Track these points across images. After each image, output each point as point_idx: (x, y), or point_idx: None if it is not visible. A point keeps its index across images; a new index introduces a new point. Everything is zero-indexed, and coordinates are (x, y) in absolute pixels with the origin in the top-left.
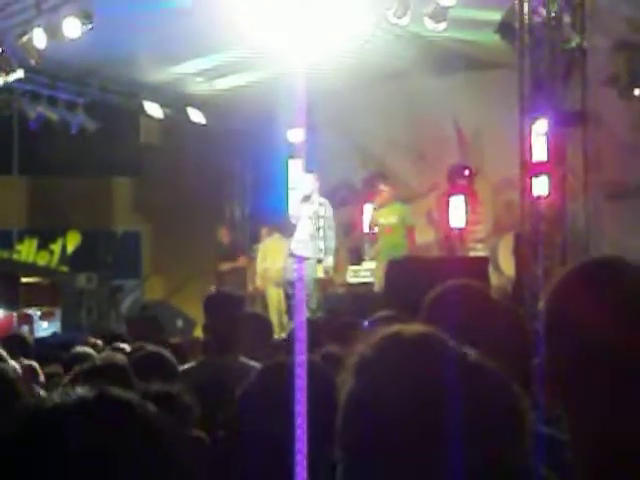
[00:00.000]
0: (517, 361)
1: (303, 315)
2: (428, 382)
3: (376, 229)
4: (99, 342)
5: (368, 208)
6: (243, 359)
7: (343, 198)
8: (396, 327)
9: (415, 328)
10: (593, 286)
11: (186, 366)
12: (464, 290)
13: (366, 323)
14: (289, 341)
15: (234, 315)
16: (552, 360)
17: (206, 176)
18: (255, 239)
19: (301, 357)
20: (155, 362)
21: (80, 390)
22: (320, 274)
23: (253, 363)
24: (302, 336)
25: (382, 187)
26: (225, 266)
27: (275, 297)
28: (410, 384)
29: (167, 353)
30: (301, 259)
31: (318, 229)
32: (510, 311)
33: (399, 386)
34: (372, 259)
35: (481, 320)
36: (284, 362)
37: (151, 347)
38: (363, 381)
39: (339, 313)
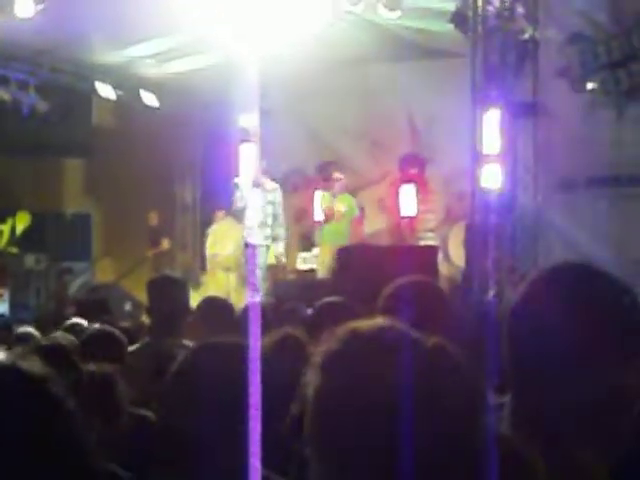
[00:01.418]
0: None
1: (257, 301)
2: (389, 375)
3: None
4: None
5: (319, 195)
6: (186, 342)
7: (295, 184)
8: (355, 323)
9: (373, 322)
10: (560, 292)
11: (129, 349)
12: (417, 287)
13: (310, 310)
14: (244, 320)
15: (176, 298)
16: (514, 358)
17: (158, 159)
18: (208, 223)
19: (255, 341)
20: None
21: None
22: (272, 261)
23: None
24: (256, 321)
25: (338, 175)
26: (149, 252)
27: (224, 282)
28: (371, 379)
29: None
30: (253, 246)
31: (267, 215)
32: (459, 306)
33: (362, 382)
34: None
35: (434, 317)
36: (216, 343)
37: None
38: (328, 379)
39: (287, 299)
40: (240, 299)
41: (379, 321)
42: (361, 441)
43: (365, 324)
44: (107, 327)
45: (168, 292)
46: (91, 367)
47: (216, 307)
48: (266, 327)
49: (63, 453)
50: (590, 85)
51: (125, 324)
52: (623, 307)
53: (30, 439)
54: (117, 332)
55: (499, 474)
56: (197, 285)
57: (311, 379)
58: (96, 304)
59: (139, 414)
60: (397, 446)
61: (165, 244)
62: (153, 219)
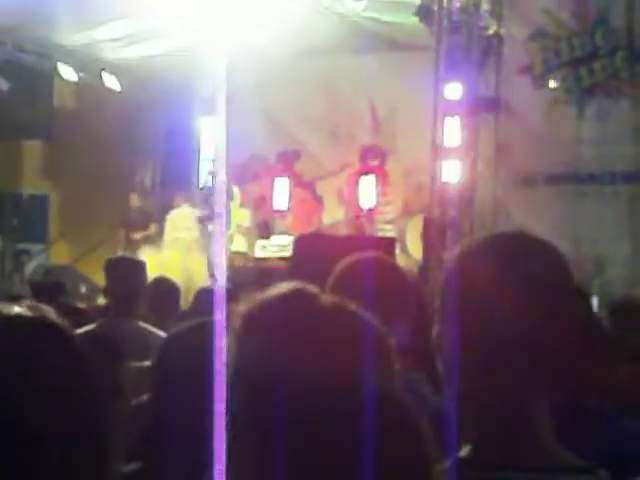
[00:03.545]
0: (421, 330)
1: (221, 284)
2: (303, 338)
3: None
4: None
5: (279, 182)
6: (142, 323)
7: (255, 172)
8: (267, 291)
9: (281, 288)
10: (494, 258)
11: (84, 328)
12: (375, 261)
13: None
14: (196, 303)
15: (134, 279)
16: (447, 328)
17: (118, 143)
18: (167, 208)
19: (219, 317)
20: None
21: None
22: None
23: (152, 328)
24: (221, 298)
25: None
26: (138, 235)
27: (183, 262)
28: (275, 345)
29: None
30: (215, 231)
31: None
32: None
33: (268, 349)
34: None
35: (390, 291)
36: (201, 323)
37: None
38: (240, 345)
39: (244, 285)
40: (199, 280)
41: (287, 287)
42: (270, 406)
43: (275, 291)
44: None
45: (127, 273)
46: None
47: (164, 288)
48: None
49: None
50: (552, 82)
51: (82, 305)
52: (552, 266)
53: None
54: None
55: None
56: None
57: (230, 345)
58: (51, 286)
59: None
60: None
61: (152, 228)
62: (135, 202)
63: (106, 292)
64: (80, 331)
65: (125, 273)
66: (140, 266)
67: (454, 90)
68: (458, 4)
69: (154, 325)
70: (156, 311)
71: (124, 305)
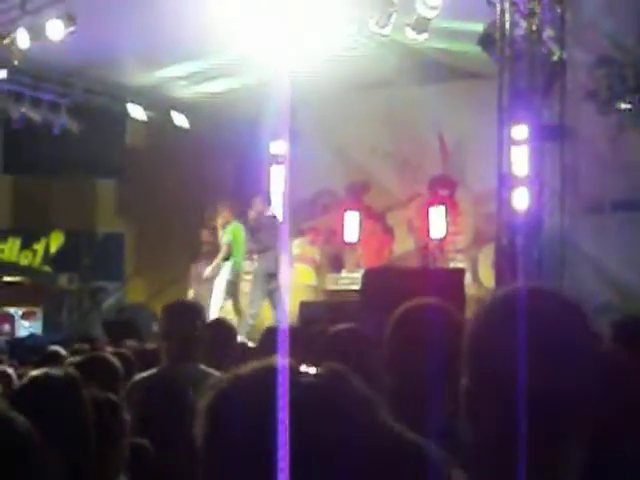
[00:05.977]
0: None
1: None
2: (267, 417)
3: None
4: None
5: (349, 215)
6: (202, 367)
7: (325, 205)
8: (239, 368)
9: (255, 364)
10: (509, 317)
11: (144, 374)
12: (431, 311)
13: None
14: (262, 341)
15: (190, 324)
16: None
17: (189, 180)
18: None
19: (283, 363)
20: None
21: None
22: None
23: (213, 371)
24: (284, 342)
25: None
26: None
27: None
28: (249, 422)
29: (112, 359)
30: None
31: None
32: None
33: (241, 426)
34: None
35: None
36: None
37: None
38: (211, 426)
39: (314, 321)
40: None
41: (262, 363)
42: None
43: (248, 367)
44: (100, 354)
45: (184, 317)
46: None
47: (222, 330)
48: (292, 349)
49: None
50: (617, 108)
51: (152, 346)
52: (572, 325)
53: None
54: (112, 359)
55: None
56: None
57: (198, 427)
58: (123, 326)
59: (136, 442)
60: None
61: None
62: (207, 236)
63: (164, 337)
64: (141, 376)
65: (183, 317)
66: (197, 310)
67: (519, 118)
68: (521, 32)
69: (214, 368)
70: (214, 353)
71: (182, 349)
